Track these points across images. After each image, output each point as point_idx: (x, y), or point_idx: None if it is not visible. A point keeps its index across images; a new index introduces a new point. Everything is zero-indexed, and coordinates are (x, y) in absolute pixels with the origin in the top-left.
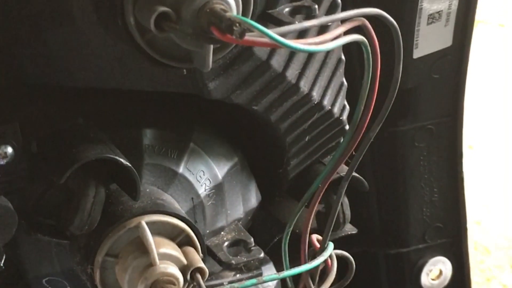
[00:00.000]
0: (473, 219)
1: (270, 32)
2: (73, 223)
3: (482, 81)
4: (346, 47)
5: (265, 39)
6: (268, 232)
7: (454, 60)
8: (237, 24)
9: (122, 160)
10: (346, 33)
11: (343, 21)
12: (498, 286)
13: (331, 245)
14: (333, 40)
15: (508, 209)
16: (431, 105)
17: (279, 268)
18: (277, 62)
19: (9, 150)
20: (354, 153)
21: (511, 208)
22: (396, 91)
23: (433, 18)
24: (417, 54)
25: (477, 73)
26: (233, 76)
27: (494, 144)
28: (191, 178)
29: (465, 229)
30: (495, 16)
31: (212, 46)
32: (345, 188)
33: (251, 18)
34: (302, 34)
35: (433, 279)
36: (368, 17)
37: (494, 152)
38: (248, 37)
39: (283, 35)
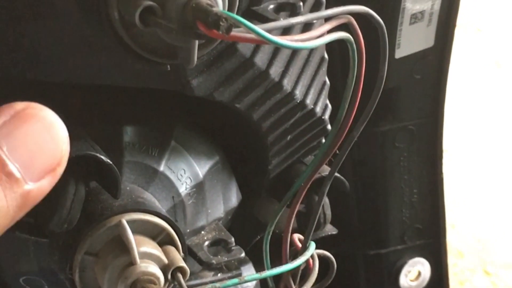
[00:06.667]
0: (448, 222)
1: (257, 28)
2: (52, 221)
3: (457, 85)
4: (327, 46)
5: (252, 35)
6: (248, 232)
7: (436, 61)
8: (224, 19)
9: (103, 157)
10: (331, 31)
11: (328, 18)
12: None
13: (313, 245)
14: (320, 37)
15: (481, 212)
16: (412, 106)
17: (258, 269)
18: (260, 60)
19: None
20: (337, 152)
21: (484, 211)
22: (381, 90)
23: (415, 18)
24: (399, 54)
25: (454, 77)
26: (216, 73)
27: (467, 147)
28: (172, 176)
29: (444, 230)
30: (473, 20)
31: (197, 42)
32: (328, 188)
33: (237, 14)
34: (286, 32)
35: (411, 280)
36: (353, 15)
37: (468, 155)
38: (235, 33)
39: (268, 31)
